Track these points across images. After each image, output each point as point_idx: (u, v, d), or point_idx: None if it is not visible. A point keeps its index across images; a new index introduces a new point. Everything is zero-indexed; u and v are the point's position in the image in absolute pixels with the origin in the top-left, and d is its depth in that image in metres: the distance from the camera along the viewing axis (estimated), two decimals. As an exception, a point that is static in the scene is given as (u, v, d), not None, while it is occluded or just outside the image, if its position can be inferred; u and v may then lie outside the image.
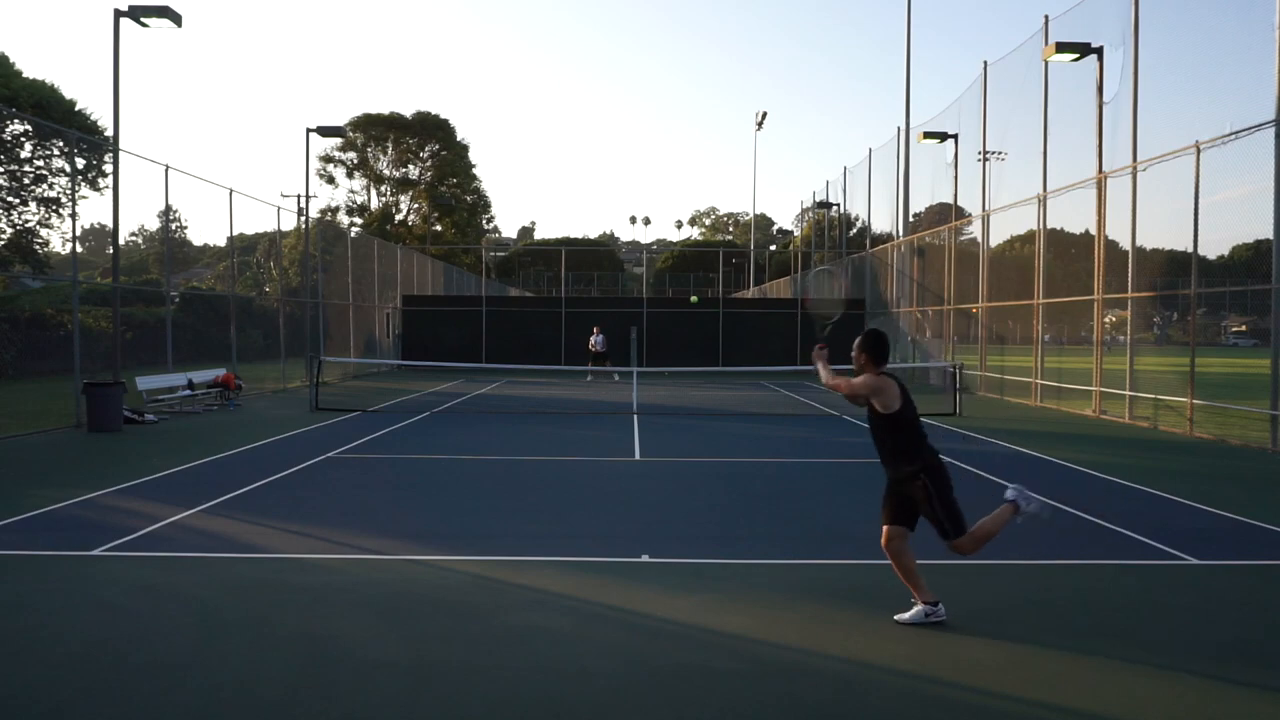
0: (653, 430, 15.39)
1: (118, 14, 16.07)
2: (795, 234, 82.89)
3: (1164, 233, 16.95)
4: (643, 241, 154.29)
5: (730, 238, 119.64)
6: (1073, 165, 19.52)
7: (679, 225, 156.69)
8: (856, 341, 5.64)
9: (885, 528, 5.58)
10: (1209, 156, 14.74)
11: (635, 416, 17.60)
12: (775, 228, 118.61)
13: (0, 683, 4.56)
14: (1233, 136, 14.09)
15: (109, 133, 19.71)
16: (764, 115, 56.10)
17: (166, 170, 18.39)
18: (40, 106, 27.48)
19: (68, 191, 28.15)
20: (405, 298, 35.59)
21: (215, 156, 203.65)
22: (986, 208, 23.67)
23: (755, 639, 5.25)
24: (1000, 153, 23.54)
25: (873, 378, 5.45)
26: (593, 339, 30.26)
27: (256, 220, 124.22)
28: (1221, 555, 7.36)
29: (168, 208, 19.39)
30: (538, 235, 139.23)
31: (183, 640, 5.17)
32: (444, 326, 34.36)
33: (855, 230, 40.90)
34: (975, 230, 25.01)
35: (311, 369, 20.53)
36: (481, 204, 65.54)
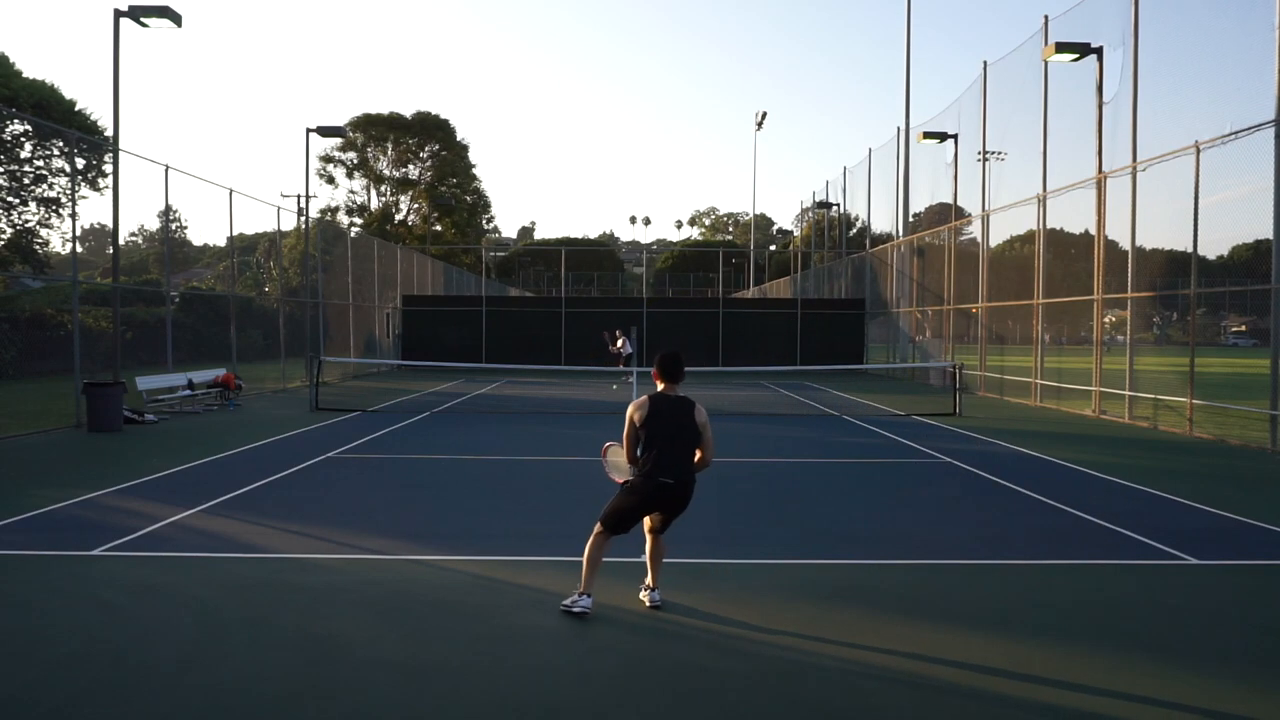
0: (653, 430, 15.37)
1: (118, 14, 16.07)
2: (795, 234, 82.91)
3: (1164, 233, 16.95)
4: (643, 241, 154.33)
5: (730, 238, 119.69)
6: (1073, 165, 19.54)
7: (679, 225, 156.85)
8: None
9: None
10: (1209, 156, 14.74)
11: (635, 416, 17.58)
12: (775, 228, 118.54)
13: (0, 683, 4.56)
14: (1233, 136, 14.09)
15: (109, 133, 19.71)
16: (764, 115, 56.09)
17: (166, 170, 18.39)
18: (40, 106, 27.48)
19: (68, 191, 28.15)
20: (405, 298, 35.59)
21: (215, 156, 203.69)
22: (986, 208, 23.67)
23: (755, 639, 5.26)
24: (1000, 153, 23.55)
25: (632, 407, 5.76)
26: (621, 341, 28.29)
27: (256, 220, 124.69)
28: (1221, 555, 7.36)
29: (168, 208, 19.40)
30: (538, 235, 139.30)
31: (183, 640, 5.17)
32: (444, 326, 34.36)
33: (855, 230, 40.92)
34: (975, 230, 25.01)
35: (311, 369, 20.53)
36: (481, 204, 65.48)
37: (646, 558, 5.95)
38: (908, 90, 31.02)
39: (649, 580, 5.94)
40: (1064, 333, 24.13)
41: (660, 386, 5.88)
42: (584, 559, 5.74)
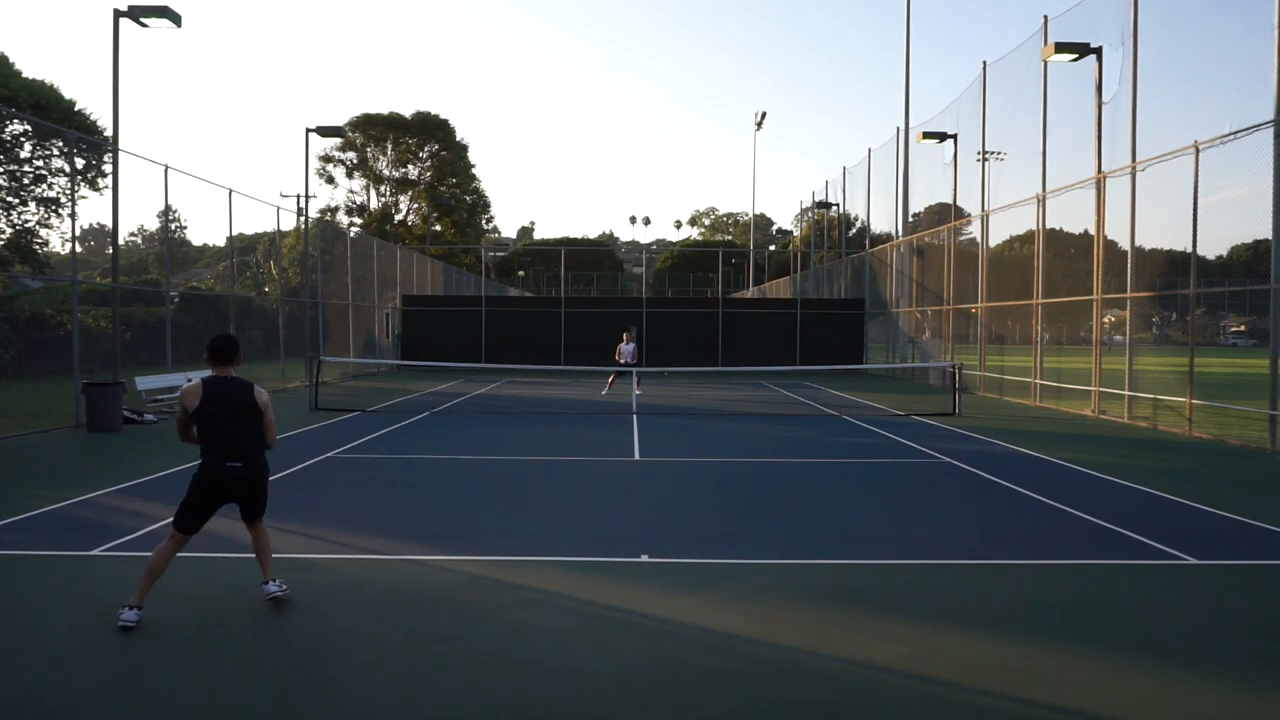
0: (652, 430, 15.39)
1: (117, 14, 16.06)
2: (795, 234, 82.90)
3: (1163, 233, 16.98)
4: (642, 241, 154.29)
5: (730, 238, 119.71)
6: (1072, 165, 19.54)
7: (678, 225, 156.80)
8: None
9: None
10: (1208, 156, 14.74)
11: (635, 416, 17.60)
12: (775, 228, 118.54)
13: (0, 683, 4.56)
14: (1232, 136, 14.09)
15: (109, 133, 19.70)
16: (764, 115, 56.06)
17: (166, 170, 18.38)
18: (40, 106, 27.47)
19: (67, 191, 28.14)
20: (405, 298, 35.59)
21: (215, 156, 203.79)
22: (986, 208, 23.68)
23: (755, 639, 5.26)
24: (1000, 153, 23.56)
25: (185, 393, 5.57)
26: (622, 347, 24.05)
27: (256, 220, 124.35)
28: (1221, 555, 7.37)
29: (167, 208, 19.38)
30: (537, 235, 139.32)
31: (182, 640, 5.17)
32: (444, 326, 34.36)
33: (855, 230, 40.92)
34: (975, 230, 25.01)
35: (311, 369, 20.53)
36: (481, 204, 65.48)
37: (255, 554, 5.89)
38: (907, 90, 31.04)
39: (264, 576, 5.84)
40: (1063, 333, 24.11)
41: (212, 370, 5.71)
42: (147, 567, 5.41)
